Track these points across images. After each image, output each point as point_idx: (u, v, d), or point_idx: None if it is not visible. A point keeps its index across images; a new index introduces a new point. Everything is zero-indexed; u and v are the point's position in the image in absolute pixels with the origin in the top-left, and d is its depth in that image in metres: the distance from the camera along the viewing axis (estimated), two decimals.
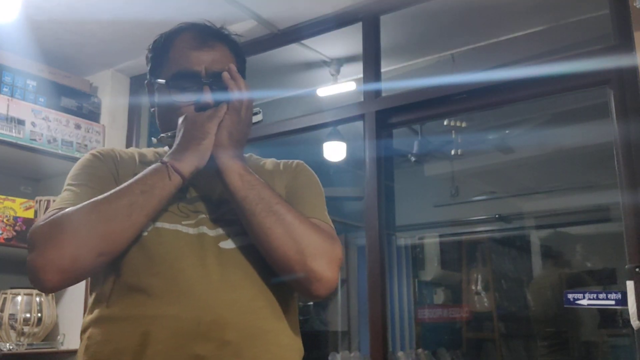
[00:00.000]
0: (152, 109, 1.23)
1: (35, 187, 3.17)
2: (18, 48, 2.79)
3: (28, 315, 2.70)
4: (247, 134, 1.12)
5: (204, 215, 1.09)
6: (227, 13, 2.58)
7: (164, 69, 1.17)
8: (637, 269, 1.76)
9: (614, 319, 3.93)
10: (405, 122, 2.68)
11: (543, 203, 4.71)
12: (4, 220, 2.72)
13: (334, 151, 3.70)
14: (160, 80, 1.16)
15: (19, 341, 2.66)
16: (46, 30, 2.73)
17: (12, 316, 2.67)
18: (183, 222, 1.07)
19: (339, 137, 3.66)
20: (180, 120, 1.09)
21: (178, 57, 1.16)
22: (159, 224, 1.05)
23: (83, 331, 1.08)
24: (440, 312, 4.59)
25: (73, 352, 2.82)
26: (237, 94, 1.09)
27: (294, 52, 2.95)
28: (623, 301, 1.80)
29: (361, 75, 2.52)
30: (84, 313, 3.00)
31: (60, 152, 2.85)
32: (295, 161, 1.26)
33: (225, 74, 1.10)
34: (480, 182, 4.95)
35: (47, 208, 2.83)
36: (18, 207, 2.80)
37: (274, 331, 1.06)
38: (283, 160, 1.26)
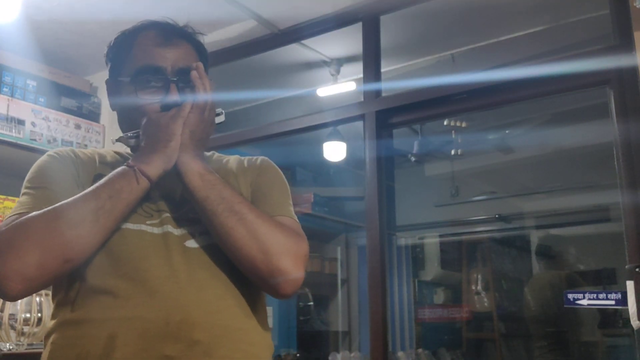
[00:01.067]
0: (113, 110, 1.19)
1: None
2: (18, 48, 2.79)
3: (28, 315, 2.70)
4: (209, 134, 1.10)
5: (167, 214, 1.07)
6: (227, 13, 2.58)
7: (126, 66, 1.15)
8: (637, 269, 1.76)
9: (614, 319, 3.93)
10: (405, 122, 2.68)
11: (543, 203, 4.71)
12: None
13: (334, 151, 3.70)
14: (123, 78, 1.13)
15: (19, 341, 2.66)
16: (46, 30, 2.73)
17: (12, 316, 2.67)
18: (147, 222, 1.05)
19: (339, 137, 3.66)
20: (144, 121, 1.07)
21: (142, 54, 1.14)
22: (122, 225, 1.03)
23: (47, 336, 1.05)
24: (440, 312, 4.60)
25: None
26: (202, 94, 1.08)
27: (294, 52, 2.95)
28: (623, 301, 1.80)
29: (361, 75, 2.52)
30: None
31: None
32: (260, 158, 1.24)
33: (194, 73, 1.09)
34: (480, 182, 4.95)
35: None
36: None
37: (244, 329, 1.04)
38: (247, 157, 1.24)
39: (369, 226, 2.32)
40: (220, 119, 1.14)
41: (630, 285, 1.76)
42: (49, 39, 2.81)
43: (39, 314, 2.73)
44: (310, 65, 3.12)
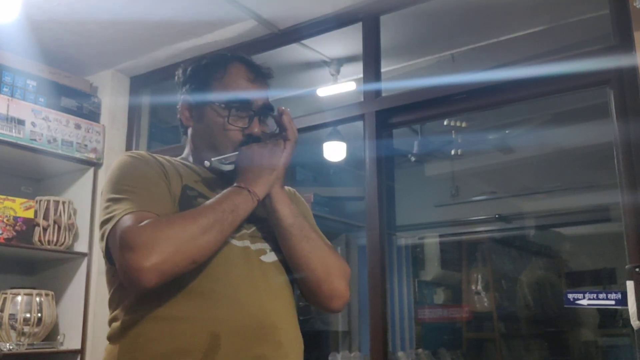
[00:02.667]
0: (188, 125, 1.33)
1: (36, 187, 3.17)
2: (18, 48, 2.79)
3: (28, 315, 2.70)
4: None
5: (245, 231, 1.22)
6: (227, 13, 2.58)
7: (214, 91, 1.28)
8: (637, 269, 1.76)
9: (614, 319, 3.93)
10: (405, 122, 2.68)
11: (543, 203, 4.71)
12: (4, 220, 2.72)
13: (334, 151, 3.70)
14: (217, 103, 1.26)
15: (19, 341, 2.66)
16: (46, 30, 2.73)
17: (12, 316, 2.67)
18: (234, 235, 1.19)
19: (339, 137, 3.66)
20: (247, 150, 1.22)
21: (235, 85, 1.28)
22: None
23: (127, 328, 1.14)
24: (441, 312, 4.59)
25: (73, 352, 2.82)
26: (295, 134, 1.25)
27: (294, 52, 2.95)
28: (623, 301, 1.80)
29: (361, 75, 2.52)
30: (84, 313, 2.97)
31: (60, 152, 2.85)
32: (288, 188, 1.38)
33: (287, 117, 1.25)
34: (480, 182, 4.94)
35: (47, 208, 2.84)
36: (18, 207, 2.80)
37: (300, 338, 1.23)
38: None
39: (369, 226, 2.32)
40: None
41: (630, 285, 1.76)
42: (49, 39, 2.81)
43: (39, 314, 2.73)
44: (310, 65, 3.12)
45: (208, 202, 1.14)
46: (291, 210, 1.22)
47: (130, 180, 1.17)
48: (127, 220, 1.08)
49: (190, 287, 1.11)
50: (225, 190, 1.17)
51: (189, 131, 1.35)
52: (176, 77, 1.38)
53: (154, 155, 1.27)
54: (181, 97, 1.35)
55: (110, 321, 1.22)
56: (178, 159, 1.33)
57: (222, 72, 1.29)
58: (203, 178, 1.27)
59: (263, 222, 1.25)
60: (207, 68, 1.32)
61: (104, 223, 1.13)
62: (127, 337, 1.14)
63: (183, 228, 1.07)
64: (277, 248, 1.24)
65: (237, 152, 1.23)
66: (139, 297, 1.13)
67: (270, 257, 1.23)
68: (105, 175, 3.00)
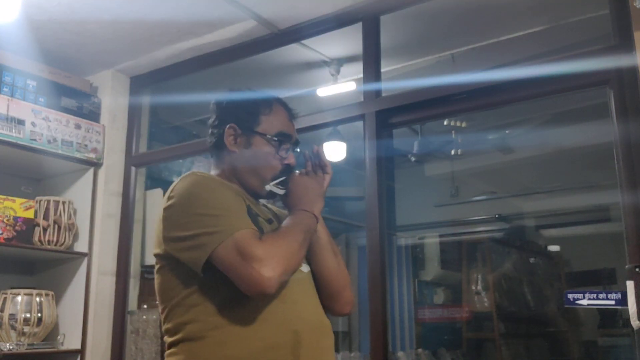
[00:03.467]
0: (233, 150, 1.47)
1: (36, 187, 3.17)
2: (18, 48, 2.79)
3: (28, 315, 2.70)
4: None
5: None
6: (227, 13, 2.58)
7: (262, 124, 1.47)
8: (637, 269, 1.76)
9: (614, 319, 3.93)
10: (405, 122, 2.68)
11: (543, 203, 4.71)
12: (4, 220, 2.72)
13: (334, 151, 3.70)
14: (268, 135, 1.46)
15: (19, 341, 2.66)
16: (46, 30, 2.73)
17: (12, 316, 2.67)
18: None
19: (339, 137, 3.66)
20: (299, 178, 1.47)
21: (280, 121, 1.50)
22: None
23: (212, 329, 1.27)
24: (440, 312, 4.59)
25: (73, 352, 2.83)
26: (330, 169, 1.53)
27: (294, 52, 2.95)
28: (623, 301, 1.80)
29: (361, 75, 2.52)
30: (84, 313, 2.97)
31: (60, 152, 2.85)
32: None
33: (322, 154, 1.53)
34: (480, 182, 4.94)
35: (47, 208, 2.84)
36: (18, 207, 2.80)
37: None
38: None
39: (369, 226, 2.32)
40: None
41: (630, 285, 1.76)
42: (49, 39, 2.81)
43: (39, 314, 2.73)
44: (310, 65, 3.12)
45: (292, 222, 1.37)
46: (325, 230, 1.46)
47: (219, 198, 1.32)
48: (246, 235, 1.25)
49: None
50: (297, 214, 1.40)
51: (232, 155, 1.48)
52: (215, 107, 1.54)
53: (217, 179, 1.46)
54: (227, 125, 1.48)
55: (184, 323, 1.30)
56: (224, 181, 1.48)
57: (269, 109, 1.49)
58: (250, 200, 1.46)
59: None
60: (256, 104, 1.50)
61: (203, 235, 1.25)
62: (212, 337, 1.26)
63: (291, 244, 1.29)
64: (307, 261, 1.44)
65: (284, 178, 1.46)
66: (222, 302, 1.28)
67: (306, 267, 1.43)
68: (105, 176, 3.02)
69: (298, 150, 1.53)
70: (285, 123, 1.50)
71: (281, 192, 1.46)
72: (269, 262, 1.22)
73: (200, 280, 1.28)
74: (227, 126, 1.47)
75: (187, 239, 1.26)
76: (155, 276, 1.38)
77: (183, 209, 1.30)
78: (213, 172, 1.51)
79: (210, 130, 1.52)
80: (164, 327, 1.36)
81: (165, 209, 1.33)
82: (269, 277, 1.21)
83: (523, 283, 4.71)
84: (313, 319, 1.35)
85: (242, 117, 1.48)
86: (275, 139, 1.46)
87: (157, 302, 1.39)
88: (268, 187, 1.45)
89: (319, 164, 1.53)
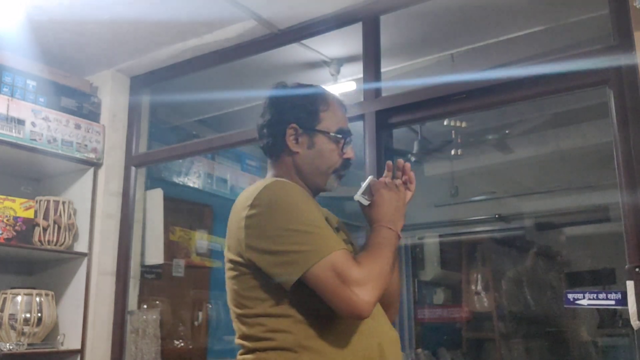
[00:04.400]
0: (296, 150, 1.46)
1: (35, 187, 3.17)
2: (18, 48, 2.79)
3: (28, 315, 2.70)
4: None
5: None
6: (227, 13, 2.58)
7: (322, 122, 1.47)
8: (637, 269, 1.76)
9: (614, 319, 3.93)
10: (405, 122, 2.68)
11: (543, 203, 4.71)
12: (4, 220, 2.72)
13: None
14: (332, 134, 1.46)
15: (19, 341, 2.66)
16: (46, 30, 2.73)
17: (12, 316, 2.67)
18: None
19: None
20: (388, 194, 1.43)
21: (338, 116, 1.49)
22: None
23: (306, 339, 1.28)
24: (440, 312, 4.59)
25: (73, 352, 2.83)
26: (414, 188, 1.51)
27: (294, 52, 2.95)
28: (623, 301, 1.80)
29: (361, 75, 2.52)
30: (84, 313, 2.98)
31: (60, 152, 2.86)
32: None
33: (408, 166, 1.52)
34: (480, 182, 4.94)
35: (47, 208, 2.84)
36: (18, 207, 2.80)
37: None
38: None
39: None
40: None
41: (630, 285, 1.76)
42: (49, 39, 2.81)
43: (39, 314, 2.73)
44: (310, 65, 3.12)
45: (382, 242, 1.35)
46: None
47: (309, 213, 1.31)
48: (343, 258, 1.24)
49: None
50: (383, 232, 1.37)
51: (294, 156, 1.47)
52: (271, 106, 1.53)
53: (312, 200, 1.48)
54: (288, 125, 1.46)
55: (274, 331, 1.29)
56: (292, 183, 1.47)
57: (327, 105, 1.48)
58: (316, 203, 1.47)
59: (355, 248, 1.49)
60: (315, 102, 1.48)
61: (297, 253, 1.24)
62: (308, 349, 1.27)
63: (385, 267, 1.29)
64: None
65: (367, 186, 1.46)
66: (315, 314, 1.29)
67: None
68: (105, 176, 3.02)
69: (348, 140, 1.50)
70: (342, 117, 1.51)
71: (366, 202, 1.45)
72: (367, 286, 1.23)
73: (290, 293, 1.27)
74: (288, 126, 1.46)
75: (278, 254, 1.25)
76: (231, 281, 1.37)
77: (271, 220, 1.28)
78: (272, 172, 1.50)
79: (264, 130, 1.50)
80: (241, 332, 1.35)
81: (249, 217, 1.30)
82: (367, 301, 1.22)
83: (523, 283, 4.71)
84: (390, 332, 1.39)
85: (302, 116, 1.46)
86: (339, 135, 1.46)
87: (231, 305, 1.40)
88: (356, 198, 1.46)
89: (407, 179, 1.51)
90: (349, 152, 1.48)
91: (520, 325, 4.37)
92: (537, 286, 4.53)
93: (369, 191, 1.45)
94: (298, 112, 1.47)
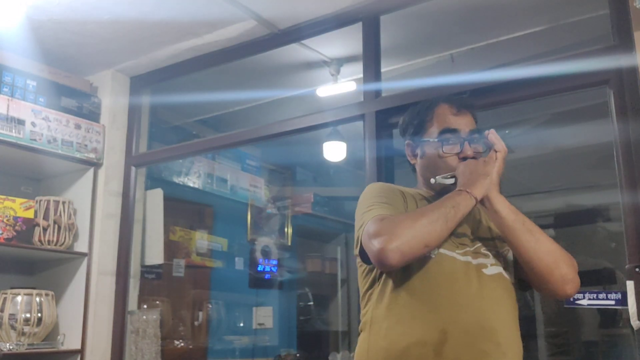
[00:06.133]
0: (414, 162, 1.64)
1: (35, 187, 3.17)
2: (18, 48, 2.80)
3: (28, 315, 2.70)
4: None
5: (468, 248, 1.46)
6: (227, 13, 2.58)
7: (428, 131, 1.58)
8: (637, 269, 1.76)
9: (614, 319, 3.92)
10: None
11: (543, 203, 4.71)
12: (4, 220, 2.72)
13: (334, 151, 3.70)
14: (431, 140, 1.55)
15: (19, 341, 2.66)
16: (46, 30, 2.73)
17: (12, 316, 2.67)
18: (456, 251, 1.44)
19: (339, 137, 3.66)
20: (462, 164, 1.47)
21: (442, 119, 1.56)
22: (442, 250, 1.42)
23: (378, 320, 1.43)
24: None
25: (73, 352, 2.83)
26: (501, 148, 1.47)
27: (294, 52, 2.95)
28: (623, 301, 1.80)
29: (361, 75, 2.52)
30: (84, 313, 2.98)
31: (60, 152, 2.86)
32: None
33: (493, 134, 1.49)
34: None
35: (47, 208, 2.84)
36: (18, 207, 2.80)
37: (518, 339, 1.43)
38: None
39: None
40: (451, 181, 1.51)
41: (630, 285, 1.76)
42: (49, 39, 2.81)
43: (39, 314, 2.73)
44: (310, 65, 3.12)
45: (436, 204, 1.38)
46: (511, 209, 1.41)
47: (376, 197, 1.48)
48: (375, 218, 1.37)
49: (422, 294, 1.39)
50: (449, 196, 1.41)
51: (416, 167, 1.64)
52: (399, 126, 1.71)
53: (398, 187, 1.59)
54: (405, 142, 1.66)
55: (363, 315, 1.49)
56: (413, 189, 1.62)
57: (431, 114, 1.58)
58: (430, 201, 1.52)
59: (487, 241, 1.49)
60: (419, 114, 1.61)
61: (359, 229, 1.44)
62: (375, 329, 1.42)
63: (415, 220, 1.34)
64: (498, 263, 1.46)
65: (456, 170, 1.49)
66: (381, 297, 1.43)
67: (491, 270, 1.44)
68: (105, 176, 3.02)
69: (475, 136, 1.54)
70: (448, 119, 1.55)
71: (449, 181, 1.49)
72: (385, 236, 1.30)
73: (372, 276, 1.47)
74: (405, 143, 1.65)
75: (356, 235, 1.47)
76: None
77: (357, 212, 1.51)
78: (417, 185, 1.66)
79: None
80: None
81: None
82: (385, 250, 1.29)
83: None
84: (470, 321, 1.35)
85: (413, 130, 1.62)
86: (437, 139, 1.53)
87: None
88: (433, 180, 1.51)
89: (488, 144, 1.52)
90: (466, 151, 1.51)
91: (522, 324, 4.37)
92: None
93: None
94: (410, 128, 1.65)
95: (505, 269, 1.47)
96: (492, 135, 1.49)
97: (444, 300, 1.37)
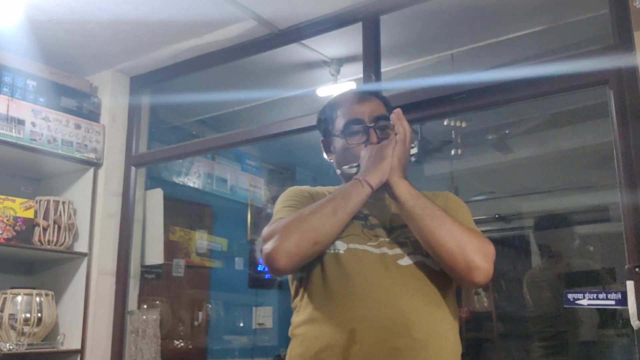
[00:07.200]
0: (330, 158, 1.58)
1: (35, 187, 3.17)
2: (18, 48, 2.79)
3: (28, 315, 2.70)
4: (408, 161, 1.43)
5: (383, 239, 1.39)
6: (227, 13, 2.58)
7: (335, 124, 1.53)
8: (636, 269, 1.76)
9: (614, 319, 3.93)
10: None
11: (543, 203, 4.71)
12: (4, 220, 2.72)
13: None
14: (337, 134, 1.51)
15: (19, 341, 2.66)
16: (46, 30, 2.73)
17: (12, 316, 2.67)
18: (368, 244, 1.37)
19: None
20: (363, 151, 1.42)
21: (346, 112, 1.52)
22: (352, 245, 1.36)
23: (295, 327, 1.39)
24: None
25: (73, 352, 2.83)
26: (402, 130, 1.40)
27: (294, 52, 2.95)
28: (623, 301, 1.80)
29: (361, 75, 2.52)
30: (84, 313, 2.98)
31: (60, 152, 2.85)
32: (445, 192, 1.57)
33: (394, 115, 1.42)
34: (480, 182, 4.94)
35: (47, 208, 2.84)
36: (18, 207, 2.80)
37: (445, 331, 1.33)
38: (434, 192, 1.54)
39: None
40: (414, 151, 1.46)
41: (630, 285, 1.77)
42: (49, 39, 2.81)
43: (39, 314, 2.73)
44: (310, 65, 3.12)
45: (328, 197, 1.34)
46: (411, 195, 1.34)
47: (281, 203, 1.46)
48: (269, 224, 1.35)
49: (334, 292, 1.32)
50: (343, 184, 1.40)
51: (333, 164, 1.58)
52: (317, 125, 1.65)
53: (310, 189, 1.54)
54: (320, 140, 1.62)
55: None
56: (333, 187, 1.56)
57: (338, 107, 1.55)
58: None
59: (403, 229, 1.39)
60: (326, 110, 1.59)
61: None
62: (295, 336, 1.38)
63: (303, 219, 1.29)
64: (417, 251, 1.36)
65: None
66: (304, 303, 1.38)
67: (408, 260, 1.36)
68: (104, 176, 3.03)
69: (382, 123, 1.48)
70: (350, 110, 1.52)
71: (351, 171, 1.44)
72: (271, 239, 1.28)
73: (295, 284, 1.45)
74: (320, 141, 1.61)
75: None
76: None
77: None
78: None
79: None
80: None
81: None
82: (270, 253, 1.27)
83: (523, 283, 4.71)
84: (381, 318, 1.27)
85: (323, 127, 1.60)
86: (341, 131, 1.50)
87: None
88: (339, 171, 1.49)
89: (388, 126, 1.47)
90: (372, 139, 1.46)
91: (519, 324, 4.38)
92: (536, 285, 4.53)
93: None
94: (322, 124, 1.61)
95: (427, 256, 1.35)
96: (395, 116, 1.42)
97: (356, 298, 1.29)
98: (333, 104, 1.58)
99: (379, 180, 1.34)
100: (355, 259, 1.34)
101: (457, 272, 1.29)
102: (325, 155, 1.60)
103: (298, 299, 1.42)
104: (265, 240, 1.31)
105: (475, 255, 1.28)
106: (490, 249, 1.32)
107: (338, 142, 1.52)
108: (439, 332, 1.31)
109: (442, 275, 1.34)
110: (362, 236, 1.38)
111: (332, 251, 1.35)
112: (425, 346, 1.26)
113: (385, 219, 1.44)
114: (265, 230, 1.33)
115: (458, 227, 1.30)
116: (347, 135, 1.49)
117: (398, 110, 1.43)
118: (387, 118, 1.48)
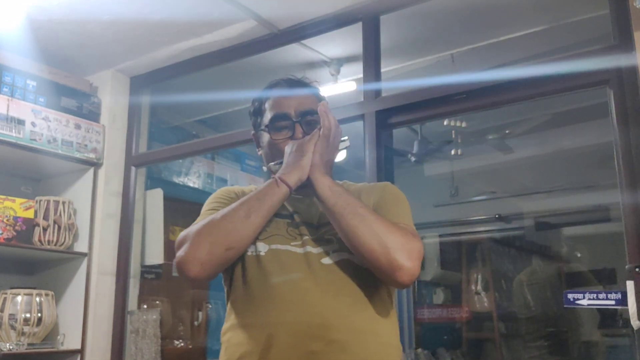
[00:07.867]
0: (260, 153, 1.48)
1: (35, 187, 3.17)
2: (18, 48, 2.79)
3: (28, 315, 2.70)
4: (334, 156, 1.36)
5: (307, 237, 1.31)
6: (227, 13, 2.58)
7: (263, 118, 1.44)
8: (637, 269, 1.76)
9: (614, 319, 3.93)
10: (405, 122, 2.68)
11: (543, 203, 4.71)
12: (4, 220, 2.72)
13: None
14: (262, 128, 1.43)
15: (19, 341, 2.66)
16: (46, 30, 2.73)
17: (12, 316, 2.67)
18: (292, 243, 1.30)
19: None
20: (287, 145, 1.34)
21: (271, 106, 1.43)
22: (273, 246, 1.29)
23: (223, 334, 1.32)
24: (440, 312, 4.59)
25: (73, 352, 2.83)
26: (327, 124, 1.32)
27: (294, 52, 2.95)
28: (623, 301, 1.80)
29: (361, 75, 2.52)
30: (84, 313, 2.99)
31: (60, 152, 2.85)
32: (384, 182, 1.50)
33: (320, 108, 1.33)
34: (480, 182, 4.94)
35: (47, 208, 2.84)
36: (18, 207, 2.80)
37: (373, 331, 1.25)
38: (373, 183, 1.48)
39: None
40: (345, 144, 1.40)
41: (630, 285, 1.77)
42: (49, 39, 2.81)
43: (39, 314, 2.73)
44: (310, 65, 3.12)
45: (242, 199, 1.28)
46: (332, 192, 1.26)
47: (206, 206, 1.40)
48: (187, 229, 1.27)
49: (255, 296, 1.26)
50: (261, 184, 1.32)
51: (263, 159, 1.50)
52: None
53: (240, 189, 1.47)
54: (251, 133, 1.53)
55: None
56: None
57: (265, 101, 1.46)
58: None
59: (331, 225, 1.29)
60: (255, 102, 1.49)
61: None
62: (222, 344, 1.31)
63: (215, 224, 1.23)
64: (343, 249, 1.28)
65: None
66: (229, 309, 1.32)
67: (333, 258, 1.28)
68: (104, 176, 3.02)
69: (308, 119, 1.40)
70: (277, 103, 1.42)
71: (276, 168, 1.36)
72: (181, 247, 1.23)
73: (225, 290, 1.38)
74: (251, 135, 1.52)
75: None
76: None
77: None
78: None
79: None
80: None
81: None
82: (180, 262, 1.21)
83: (523, 283, 4.71)
84: (298, 321, 1.21)
85: (254, 121, 1.50)
86: (267, 126, 1.41)
87: None
88: (265, 169, 1.43)
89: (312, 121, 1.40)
90: (297, 134, 1.38)
91: (519, 324, 4.38)
92: (536, 285, 4.53)
93: None
94: (251, 119, 1.51)
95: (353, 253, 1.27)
96: (320, 109, 1.33)
97: (275, 301, 1.23)
98: (262, 96, 1.49)
99: (297, 178, 1.27)
100: (276, 260, 1.27)
101: (381, 271, 1.21)
102: (257, 151, 1.51)
103: (228, 304, 1.35)
104: (178, 247, 1.24)
105: (399, 253, 1.18)
106: (416, 246, 1.22)
107: (265, 137, 1.43)
108: (366, 332, 1.23)
109: (370, 272, 1.25)
110: (286, 236, 1.32)
111: (253, 253, 1.29)
112: (345, 348, 1.19)
113: (313, 216, 1.37)
114: (180, 236, 1.26)
115: (382, 225, 1.21)
116: (273, 130, 1.40)
117: (324, 103, 1.35)
118: (315, 112, 1.37)
